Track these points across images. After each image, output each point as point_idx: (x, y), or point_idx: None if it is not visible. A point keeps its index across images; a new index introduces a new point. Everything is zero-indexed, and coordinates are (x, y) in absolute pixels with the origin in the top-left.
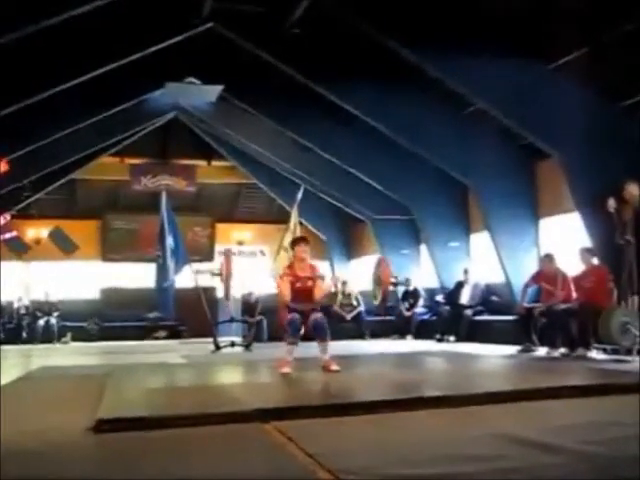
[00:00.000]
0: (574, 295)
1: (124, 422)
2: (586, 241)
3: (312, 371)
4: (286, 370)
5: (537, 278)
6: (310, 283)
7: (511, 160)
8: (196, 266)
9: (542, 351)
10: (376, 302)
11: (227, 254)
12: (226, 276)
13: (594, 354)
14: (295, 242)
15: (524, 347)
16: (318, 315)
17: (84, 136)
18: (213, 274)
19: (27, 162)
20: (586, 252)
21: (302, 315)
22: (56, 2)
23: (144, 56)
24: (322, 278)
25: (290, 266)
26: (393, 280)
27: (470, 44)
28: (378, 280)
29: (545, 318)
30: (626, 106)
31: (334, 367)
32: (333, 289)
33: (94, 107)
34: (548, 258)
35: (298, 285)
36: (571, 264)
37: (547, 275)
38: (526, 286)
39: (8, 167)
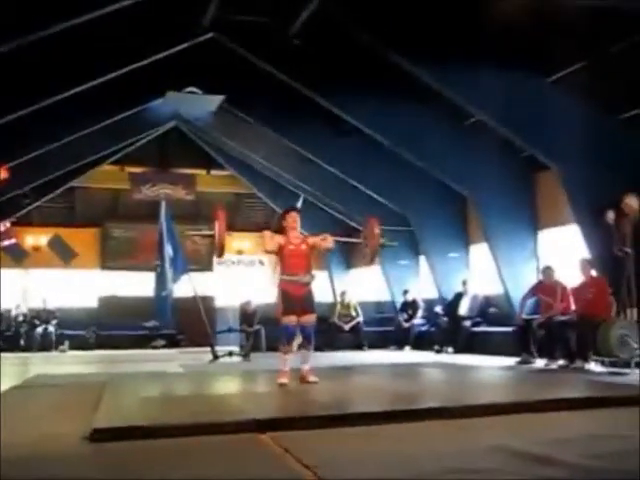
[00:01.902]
0: (573, 307)
1: (120, 431)
2: (585, 253)
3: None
4: (283, 381)
5: (536, 290)
6: (304, 247)
7: (510, 172)
8: (195, 275)
9: (540, 363)
10: (364, 260)
11: (219, 214)
12: (219, 234)
13: (592, 366)
14: (286, 212)
15: (522, 359)
16: (311, 320)
17: (85, 144)
18: (204, 236)
19: (28, 169)
20: (586, 263)
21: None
22: (58, 11)
23: (145, 65)
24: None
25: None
26: (382, 241)
27: (470, 56)
28: (366, 240)
29: (544, 330)
30: (625, 119)
31: (312, 378)
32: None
33: (95, 115)
34: (548, 270)
35: (291, 248)
36: (570, 276)
37: (547, 287)
38: (524, 298)
39: (8, 174)
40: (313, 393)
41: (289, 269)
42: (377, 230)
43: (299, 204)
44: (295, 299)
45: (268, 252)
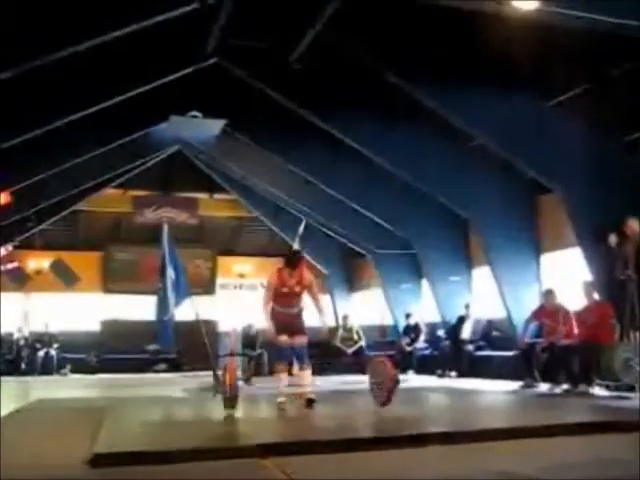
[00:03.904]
0: (576, 331)
1: (121, 456)
2: (587, 276)
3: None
4: (280, 399)
5: (539, 314)
6: (298, 289)
7: (512, 195)
8: (197, 299)
9: (544, 387)
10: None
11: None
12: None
13: (596, 390)
14: (298, 259)
15: (526, 383)
16: (302, 341)
17: (88, 168)
18: None
19: (31, 193)
20: (589, 286)
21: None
22: (60, 38)
23: (149, 90)
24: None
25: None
26: (399, 380)
27: (471, 80)
28: (381, 381)
29: (547, 354)
30: (627, 142)
31: (311, 396)
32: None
33: (99, 140)
34: (550, 294)
35: (285, 291)
36: (573, 299)
37: (549, 311)
38: (527, 322)
39: (10, 199)
40: (316, 418)
41: (281, 303)
42: (393, 371)
43: (301, 229)
44: (286, 323)
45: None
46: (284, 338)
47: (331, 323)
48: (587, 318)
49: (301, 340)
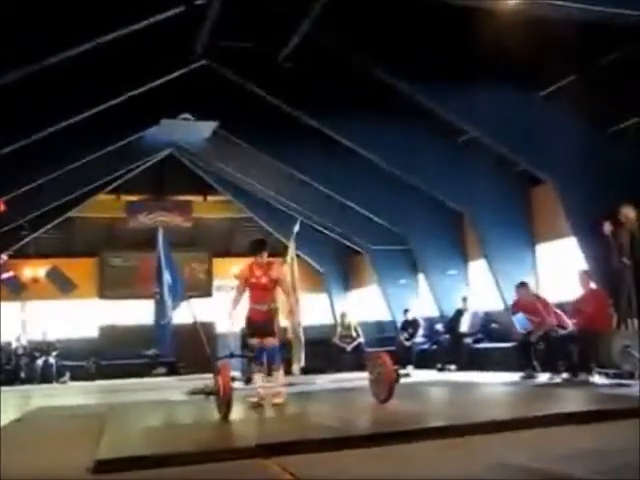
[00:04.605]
0: (567, 319)
1: (124, 462)
2: (583, 265)
3: (312, 403)
4: (252, 399)
5: (516, 307)
6: (264, 280)
7: (506, 187)
8: (194, 302)
9: (544, 377)
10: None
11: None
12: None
13: (596, 379)
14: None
15: (526, 374)
16: (273, 343)
17: (80, 174)
18: None
19: (24, 201)
20: (585, 275)
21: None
22: (49, 45)
23: (139, 94)
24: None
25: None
26: (400, 373)
27: (461, 73)
28: (381, 377)
29: (543, 343)
30: (617, 130)
31: (277, 400)
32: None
33: (90, 146)
34: (522, 287)
35: (253, 281)
36: (569, 288)
37: (525, 303)
38: (513, 314)
39: (3, 208)
40: (317, 416)
41: (254, 299)
42: (393, 367)
43: (296, 228)
44: (258, 322)
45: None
46: (255, 341)
47: (301, 322)
48: (584, 307)
49: (271, 342)
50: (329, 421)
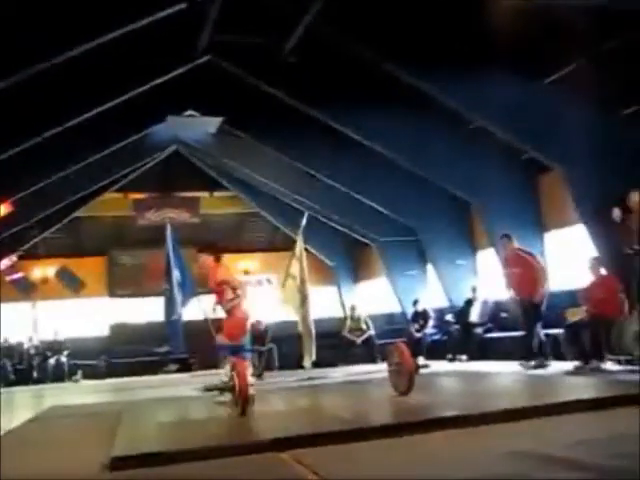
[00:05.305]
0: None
1: (139, 458)
2: (592, 253)
3: (325, 396)
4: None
5: (506, 264)
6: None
7: (514, 175)
8: (204, 298)
9: (555, 365)
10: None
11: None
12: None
13: (608, 365)
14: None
15: (538, 362)
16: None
17: (87, 174)
18: None
19: (32, 202)
20: (595, 262)
21: None
22: (54, 45)
23: (144, 91)
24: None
25: None
26: (420, 364)
27: (467, 62)
28: (400, 369)
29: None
30: (625, 116)
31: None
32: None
33: (97, 144)
34: (507, 238)
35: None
36: (578, 276)
37: (511, 258)
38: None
39: (12, 208)
40: (331, 408)
41: None
42: (412, 358)
43: (304, 222)
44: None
45: None
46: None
47: (312, 315)
48: (595, 293)
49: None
50: (345, 413)
